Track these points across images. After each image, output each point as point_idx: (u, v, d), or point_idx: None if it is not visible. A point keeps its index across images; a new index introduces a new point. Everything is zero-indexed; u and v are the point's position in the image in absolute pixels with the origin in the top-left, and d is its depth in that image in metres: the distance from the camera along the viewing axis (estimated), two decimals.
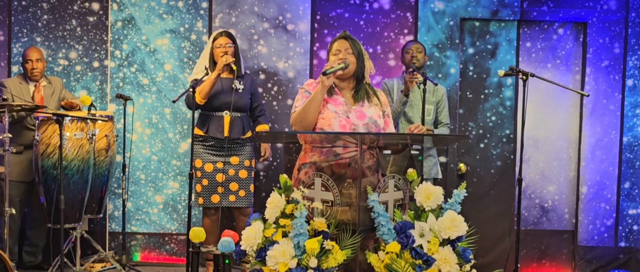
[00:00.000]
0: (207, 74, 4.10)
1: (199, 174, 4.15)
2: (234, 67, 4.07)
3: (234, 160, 4.16)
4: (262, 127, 4.35)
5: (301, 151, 3.02)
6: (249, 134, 4.22)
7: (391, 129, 3.14)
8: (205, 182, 4.14)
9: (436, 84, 4.17)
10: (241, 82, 4.20)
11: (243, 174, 4.18)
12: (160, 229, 4.87)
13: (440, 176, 4.44)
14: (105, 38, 4.81)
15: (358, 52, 3.05)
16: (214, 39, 4.18)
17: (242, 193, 4.17)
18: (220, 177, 4.13)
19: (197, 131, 4.17)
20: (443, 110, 4.36)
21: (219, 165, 4.15)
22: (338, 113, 2.97)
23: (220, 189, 4.14)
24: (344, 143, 2.83)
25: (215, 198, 4.15)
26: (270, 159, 4.68)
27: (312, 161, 2.90)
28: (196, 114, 4.20)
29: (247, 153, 4.22)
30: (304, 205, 2.69)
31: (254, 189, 4.31)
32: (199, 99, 4.02)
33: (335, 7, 4.78)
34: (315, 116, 2.95)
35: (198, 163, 4.15)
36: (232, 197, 4.15)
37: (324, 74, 2.87)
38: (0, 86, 4.35)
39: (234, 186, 4.15)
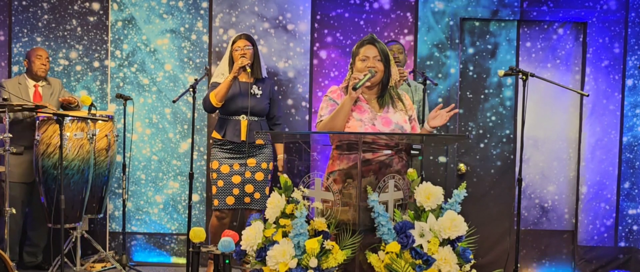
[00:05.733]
0: (206, 75, 4.10)
1: (214, 175, 4.13)
2: (249, 70, 4.03)
3: (251, 162, 4.13)
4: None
5: (329, 160, 2.98)
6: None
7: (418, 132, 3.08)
8: (220, 183, 4.12)
9: (436, 84, 4.18)
10: (260, 87, 4.16)
11: (259, 176, 4.15)
12: (160, 229, 4.87)
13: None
14: (106, 38, 4.82)
15: (386, 58, 2.98)
16: (233, 42, 4.14)
17: (257, 195, 4.14)
18: (236, 178, 4.11)
19: (215, 135, 4.16)
20: (425, 109, 4.34)
21: (236, 167, 4.12)
22: (363, 121, 2.93)
23: (235, 191, 4.12)
24: (372, 147, 2.80)
25: (230, 200, 4.12)
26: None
27: (340, 168, 2.85)
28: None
29: (265, 155, 4.18)
30: (304, 205, 2.69)
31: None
32: (215, 101, 4.00)
33: (335, 7, 4.78)
34: (342, 127, 2.91)
35: (214, 165, 4.14)
36: (247, 199, 4.13)
37: (354, 89, 2.83)
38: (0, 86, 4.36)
39: (249, 188, 4.13)
